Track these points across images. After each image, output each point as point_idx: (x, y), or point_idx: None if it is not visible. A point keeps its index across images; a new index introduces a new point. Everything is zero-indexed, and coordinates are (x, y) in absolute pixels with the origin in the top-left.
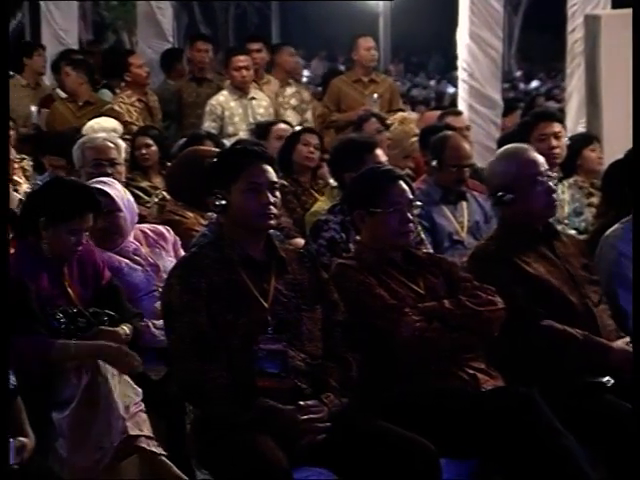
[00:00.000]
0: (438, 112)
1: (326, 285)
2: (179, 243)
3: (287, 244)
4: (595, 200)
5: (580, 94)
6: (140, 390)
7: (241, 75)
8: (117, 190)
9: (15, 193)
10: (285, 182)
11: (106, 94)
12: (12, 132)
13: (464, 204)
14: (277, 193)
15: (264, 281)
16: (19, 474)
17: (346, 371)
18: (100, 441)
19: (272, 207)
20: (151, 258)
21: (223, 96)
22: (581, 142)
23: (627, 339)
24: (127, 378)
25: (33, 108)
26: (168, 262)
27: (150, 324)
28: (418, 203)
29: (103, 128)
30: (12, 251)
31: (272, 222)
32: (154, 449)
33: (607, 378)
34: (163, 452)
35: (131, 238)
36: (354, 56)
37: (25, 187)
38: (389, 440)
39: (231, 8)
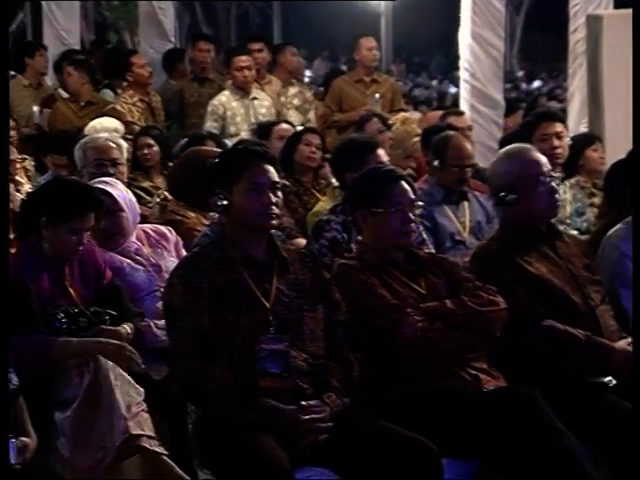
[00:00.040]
0: (440, 112)
1: (328, 285)
2: (181, 243)
3: (289, 244)
4: (597, 200)
5: (582, 94)
6: (142, 390)
7: (243, 75)
8: (119, 190)
9: (17, 193)
10: (287, 182)
11: (108, 94)
12: (14, 132)
13: (466, 204)
14: (279, 193)
15: (266, 281)
16: (21, 474)
17: (348, 371)
18: (102, 441)
19: (274, 207)
20: (153, 258)
21: (225, 96)
22: (583, 142)
23: (629, 339)
24: (129, 378)
25: (35, 108)
26: (170, 262)
27: (152, 324)
28: (420, 203)
29: (105, 128)
30: (13, 251)
31: (274, 222)
32: (156, 449)
33: (609, 378)
34: (165, 452)
35: (133, 238)
36: (356, 56)
37: (27, 187)
38: (391, 440)
39: (233, 8)
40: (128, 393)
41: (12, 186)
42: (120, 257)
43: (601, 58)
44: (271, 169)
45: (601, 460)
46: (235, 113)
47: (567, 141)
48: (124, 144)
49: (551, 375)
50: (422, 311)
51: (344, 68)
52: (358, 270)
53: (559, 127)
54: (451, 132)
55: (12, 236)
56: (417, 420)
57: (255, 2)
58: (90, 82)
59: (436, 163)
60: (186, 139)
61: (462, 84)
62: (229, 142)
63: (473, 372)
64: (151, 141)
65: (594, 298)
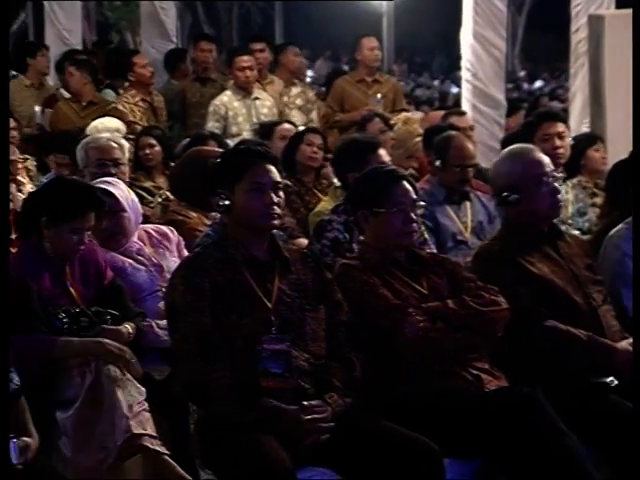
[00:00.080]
0: (442, 112)
1: (330, 285)
2: (183, 243)
3: (291, 244)
4: (599, 200)
5: (584, 94)
6: (144, 389)
7: (245, 75)
8: (121, 190)
9: (19, 193)
10: (289, 182)
11: (109, 94)
12: (16, 132)
13: (468, 204)
14: (281, 193)
15: (268, 281)
16: (23, 474)
17: (350, 371)
18: (104, 441)
19: (276, 207)
20: (155, 258)
21: (227, 96)
22: (585, 142)
23: (631, 339)
24: (131, 377)
25: (37, 108)
26: (172, 262)
27: (154, 324)
28: (422, 203)
29: (107, 128)
30: (14, 251)
31: (276, 222)
32: (158, 448)
33: (611, 378)
34: (167, 452)
35: (135, 238)
36: (358, 56)
37: (29, 187)
38: (393, 440)
39: (235, 8)
40: (130, 393)
41: (14, 186)
42: (122, 257)
43: (603, 58)
44: (273, 169)
45: (603, 460)
46: (237, 113)
47: (569, 141)
48: (126, 144)
49: (553, 375)
50: (424, 311)
51: (346, 68)
52: (360, 270)
53: (561, 127)
54: (453, 132)
55: (14, 236)
56: (419, 420)
57: (257, 2)
58: (92, 82)
59: (438, 163)
60: (188, 139)
61: (464, 84)
62: (231, 142)
63: (475, 372)
64: (153, 141)
65: (596, 298)
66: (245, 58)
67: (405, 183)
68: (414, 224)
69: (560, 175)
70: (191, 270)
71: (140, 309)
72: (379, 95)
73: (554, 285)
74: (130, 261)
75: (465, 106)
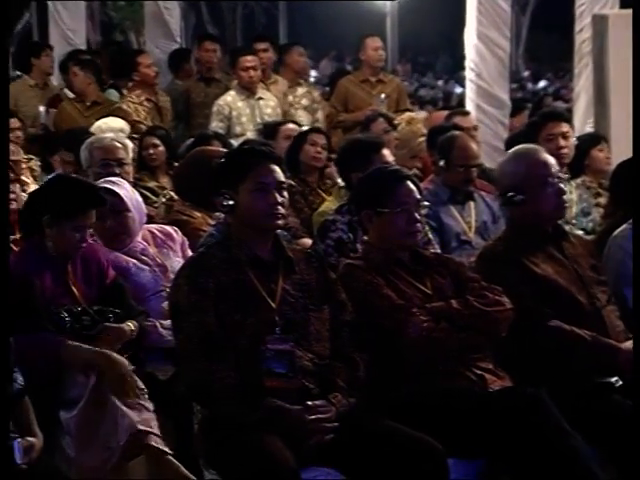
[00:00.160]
0: (446, 112)
1: (334, 285)
2: (187, 243)
3: (295, 244)
4: (603, 200)
5: (588, 94)
6: (146, 390)
7: (248, 75)
8: (126, 190)
9: (23, 194)
10: (292, 182)
11: (113, 94)
12: (20, 132)
13: (472, 204)
14: (285, 193)
15: (272, 281)
16: (27, 474)
17: (354, 371)
18: (108, 441)
19: (280, 207)
20: (159, 258)
21: (230, 96)
22: (589, 142)
23: None
24: (134, 377)
25: (41, 108)
26: (176, 262)
27: (157, 324)
28: (426, 203)
29: (111, 128)
30: (16, 249)
31: (280, 222)
32: (162, 447)
33: (615, 379)
34: (170, 451)
35: (139, 238)
36: (361, 56)
37: (33, 187)
38: (397, 440)
39: (239, 8)
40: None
41: (18, 186)
42: (126, 257)
43: (607, 58)
44: (277, 169)
45: (608, 460)
46: (241, 113)
47: (573, 141)
48: (130, 144)
49: (557, 375)
50: (428, 311)
51: (350, 68)
52: (364, 270)
53: (565, 127)
54: (457, 132)
55: (18, 236)
56: (423, 420)
57: (261, 2)
58: (96, 82)
59: (442, 163)
60: (192, 139)
61: (468, 84)
62: (235, 142)
63: (479, 372)
64: (157, 141)
65: (600, 298)
66: (249, 58)
67: (409, 183)
68: (418, 224)
69: (565, 176)
70: (195, 270)
71: (142, 308)
72: (383, 95)
73: (558, 285)
74: (134, 261)
75: (469, 106)
